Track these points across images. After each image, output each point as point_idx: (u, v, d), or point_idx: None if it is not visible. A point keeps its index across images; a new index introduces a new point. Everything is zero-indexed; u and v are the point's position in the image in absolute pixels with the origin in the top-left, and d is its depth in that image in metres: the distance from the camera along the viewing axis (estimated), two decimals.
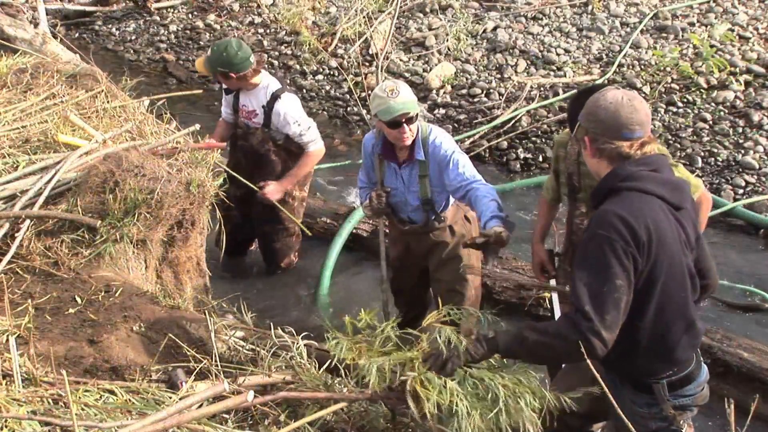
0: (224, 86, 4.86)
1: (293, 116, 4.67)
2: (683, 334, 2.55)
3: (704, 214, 3.42)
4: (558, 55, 8.26)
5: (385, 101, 3.63)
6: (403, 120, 3.64)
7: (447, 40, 8.43)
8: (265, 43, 9.14)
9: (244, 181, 4.60)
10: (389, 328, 2.77)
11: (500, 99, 7.54)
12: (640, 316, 2.48)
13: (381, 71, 7.77)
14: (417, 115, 3.71)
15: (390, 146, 3.88)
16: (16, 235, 3.51)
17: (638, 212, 2.41)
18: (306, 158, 4.81)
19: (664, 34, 8.51)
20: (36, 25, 8.32)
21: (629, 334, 2.48)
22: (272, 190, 4.76)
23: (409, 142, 3.76)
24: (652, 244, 2.40)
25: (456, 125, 7.40)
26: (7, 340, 2.79)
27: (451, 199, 3.97)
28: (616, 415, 2.39)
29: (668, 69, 7.70)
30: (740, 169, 6.32)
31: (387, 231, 4.36)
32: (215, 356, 3.08)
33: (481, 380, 2.53)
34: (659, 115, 7.02)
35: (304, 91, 8.24)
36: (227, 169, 4.58)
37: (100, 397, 2.66)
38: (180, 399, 2.65)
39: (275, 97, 4.66)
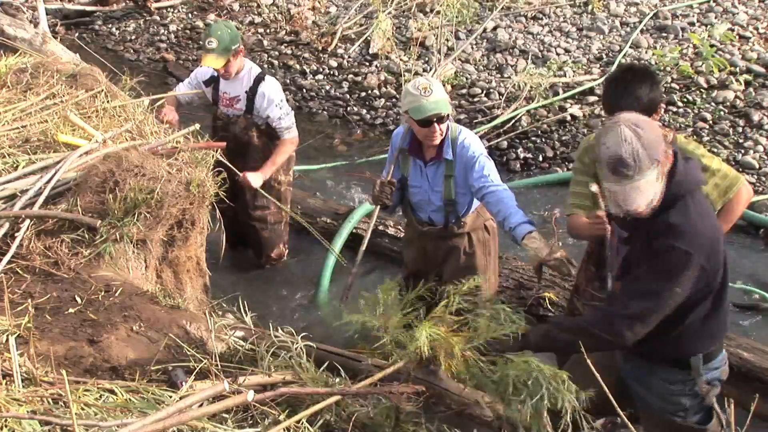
0: (204, 78, 4.87)
1: (277, 98, 4.75)
2: (727, 313, 2.73)
3: (739, 211, 3.32)
4: (558, 54, 8.26)
5: (418, 99, 3.58)
6: (435, 120, 3.61)
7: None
8: (265, 43, 9.14)
9: (235, 170, 4.61)
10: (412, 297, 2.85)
11: (500, 99, 7.54)
12: (699, 306, 2.60)
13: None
14: (448, 115, 3.67)
15: (417, 143, 3.83)
16: (16, 234, 3.51)
17: (709, 222, 2.55)
18: (282, 145, 4.87)
19: (664, 34, 8.51)
20: (36, 25, 8.32)
21: (683, 321, 2.60)
22: (253, 178, 4.76)
23: (438, 141, 3.72)
24: (719, 246, 2.54)
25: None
26: (7, 339, 2.79)
27: (473, 206, 3.93)
28: (644, 401, 2.54)
29: (668, 69, 7.70)
30: (740, 169, 6.31)
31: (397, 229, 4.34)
32: (215, 356, 3.08)
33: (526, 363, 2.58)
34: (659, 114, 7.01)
35: (304, 90, 8.24)
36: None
37: (100, 396, 2.67)
38: (180, 398, 2.66)
39: (259, 80, 4.72)
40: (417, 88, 3.61)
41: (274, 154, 4.85)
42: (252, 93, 4.73)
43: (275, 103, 4.74)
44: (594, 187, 3.44)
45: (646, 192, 2.36)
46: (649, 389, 2.60)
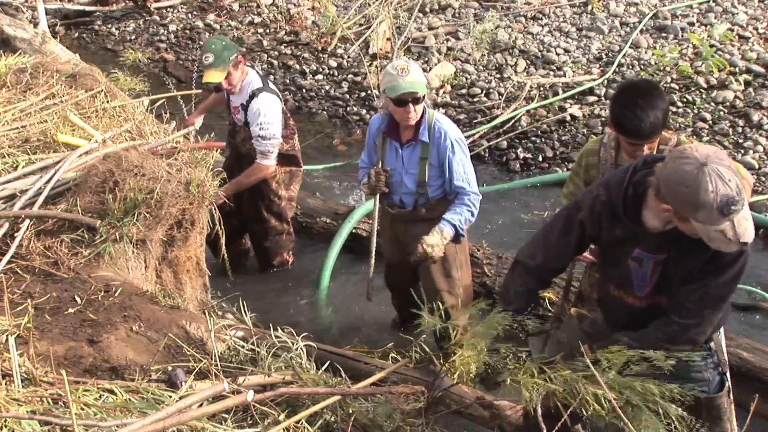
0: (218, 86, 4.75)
1: (262, 116, 4.57)
2: None
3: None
4: (558, 54, 8.26)
5: (395, 78, 3.71)
6: (409, 99, 3.72)
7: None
8: (265, 43, 9.14)
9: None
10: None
11: (500, 99, 7.54)
12: None
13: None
14: (424, 96, 3.78)
15: (395, 125, 3.94)
16: (15, 234, 3.51)
17: None
18: (252, 167, 4.69)
19: (664, 34, 8.51)
20: (35, 25, 8.32)
21: None
22: None
23: (413, 122, 3.83)
24: None
25: (456, 125, 7.39)
26: (7, 340, 2.79)
27: (443, 191, 4.03)
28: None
29: (668, 69, 7.70)
30: None
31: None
32: (215, 356, 3.08)
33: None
34: None
35: (304, 91, 8.24)
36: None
37: (100, 396, 2.66)
38: (180, 398, 2.65)
39: (253, 94, 4.63)
40: (395, 68, 3.75)
41: (243, 174, 4.70)
42: (246, 106, 4.65)
43: (258, 121, 4.57)
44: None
45: (749, 216, 2.35)
46: (670, 374, 2.64)
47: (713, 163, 2.28)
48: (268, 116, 4.59)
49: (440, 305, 2.92)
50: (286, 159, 4.87)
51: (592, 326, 2.98)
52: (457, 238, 3.99)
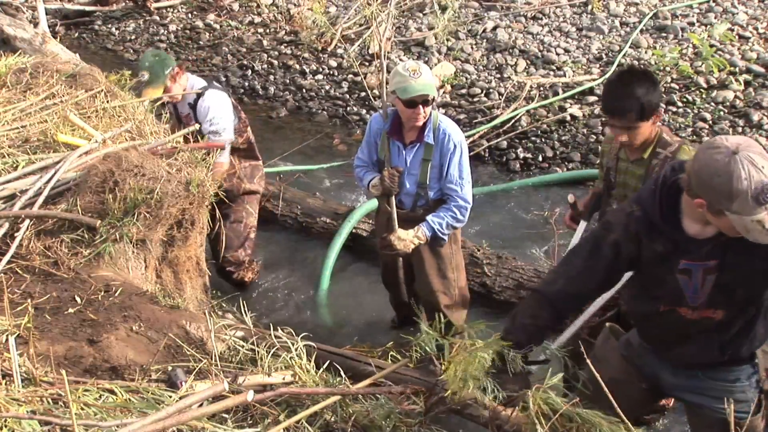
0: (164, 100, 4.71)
1: (212, 112, 4.57)
2: None
3: None
4: (558, 54, 8.26)
5: (406, 80, 3.72)
6: (420, 101, 3.73)
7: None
8: (265, 43, 9.14)
9: None
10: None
11: (500, 99, 7.54)
12: None
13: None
14: (433, 99, 3.81)
15: (399, 126, 3.95)
16: (15, 234, 3.50)
17: None
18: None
19: (664, 34, 8.51)
20: (36, 25, 8.32)
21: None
22: None
23: (421, 123, 3.86)
24: None
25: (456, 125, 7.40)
26: (7, 339, 2.79)
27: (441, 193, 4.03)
28: (701, 408, 2.64)
29: (668, 69, 7.70)
30: None
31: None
32: (215, 356, 3.08)
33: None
34: None
35: (304, 91, 8.24)
36: None
37: (100, 396, 2.66)
38: (180, 398, 2.65)
39: (199, 94, 4.64)
40: (406, 69, 3.75)
41: None
42: (194, 106, 4.65)
43: (208, 118, 4.56)
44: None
45: None
46: (709, 395, 2.61)
47: (745, 151, 2.18)
48: (218, 111, 4.59)
49: (441, 318, 2.95)
50: (243, 153, 4.82)
51: (626, 348, 2.90)
52: (435, 241, 3.99)
